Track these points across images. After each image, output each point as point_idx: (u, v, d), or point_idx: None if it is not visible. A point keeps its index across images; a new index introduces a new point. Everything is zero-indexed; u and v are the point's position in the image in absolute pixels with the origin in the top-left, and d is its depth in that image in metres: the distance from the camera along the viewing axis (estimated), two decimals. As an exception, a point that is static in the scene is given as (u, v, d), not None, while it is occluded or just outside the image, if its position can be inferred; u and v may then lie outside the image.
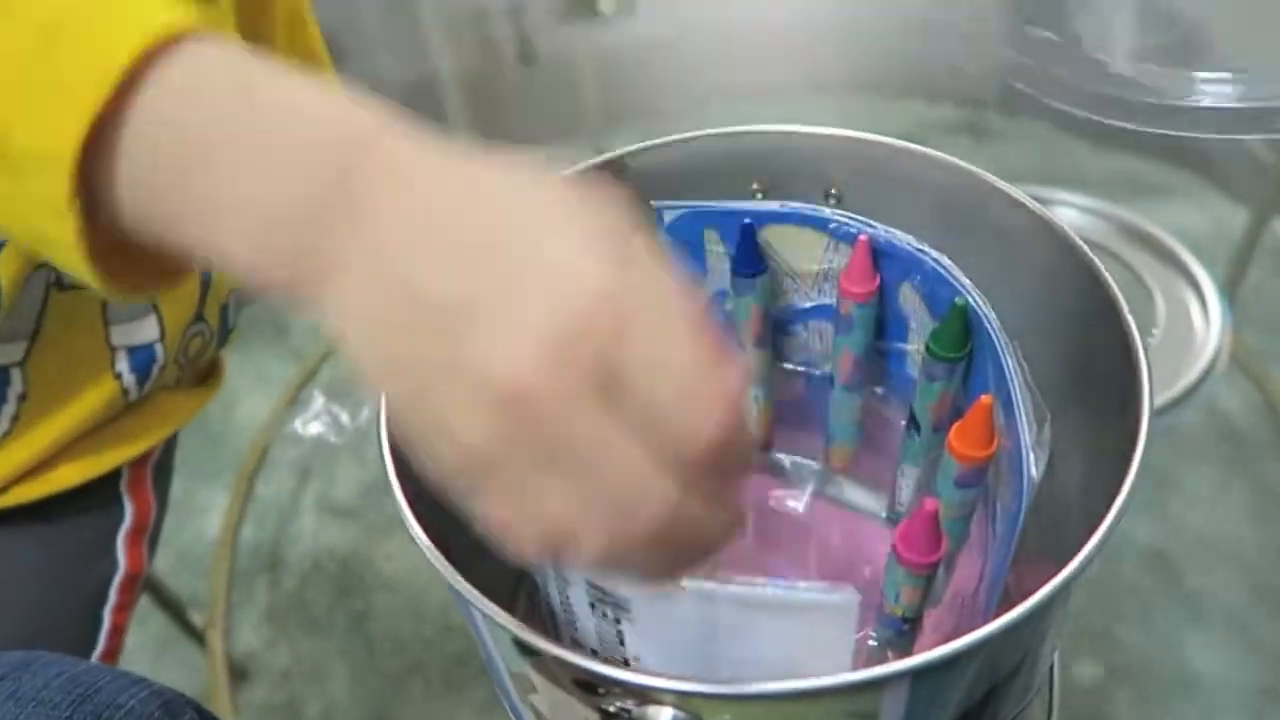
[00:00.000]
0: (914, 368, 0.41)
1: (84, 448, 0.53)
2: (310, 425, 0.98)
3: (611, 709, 0.27)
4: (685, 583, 0.26)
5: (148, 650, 0.85)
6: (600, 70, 1.71)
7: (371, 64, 1.89)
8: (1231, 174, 1.01)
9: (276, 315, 1.16)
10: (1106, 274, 0.33)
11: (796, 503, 0.46)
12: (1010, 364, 0.32)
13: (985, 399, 0.32)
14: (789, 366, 0.45)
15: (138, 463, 0.58)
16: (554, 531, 0.22)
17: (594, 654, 0.32)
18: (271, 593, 0.88)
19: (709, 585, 0.26)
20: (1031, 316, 0.36)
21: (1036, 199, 0.36)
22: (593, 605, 0.32)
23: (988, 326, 0.34)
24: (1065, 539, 0.28)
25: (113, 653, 0.52)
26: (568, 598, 0.33)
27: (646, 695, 0.26)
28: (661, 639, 0.29)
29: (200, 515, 0.94)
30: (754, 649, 0.28)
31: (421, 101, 1.72)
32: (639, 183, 0.40)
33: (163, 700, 0.31)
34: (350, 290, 0.22)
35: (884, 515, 0.45)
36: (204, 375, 0.62)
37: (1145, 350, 0.30)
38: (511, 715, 0.35)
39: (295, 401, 1.02)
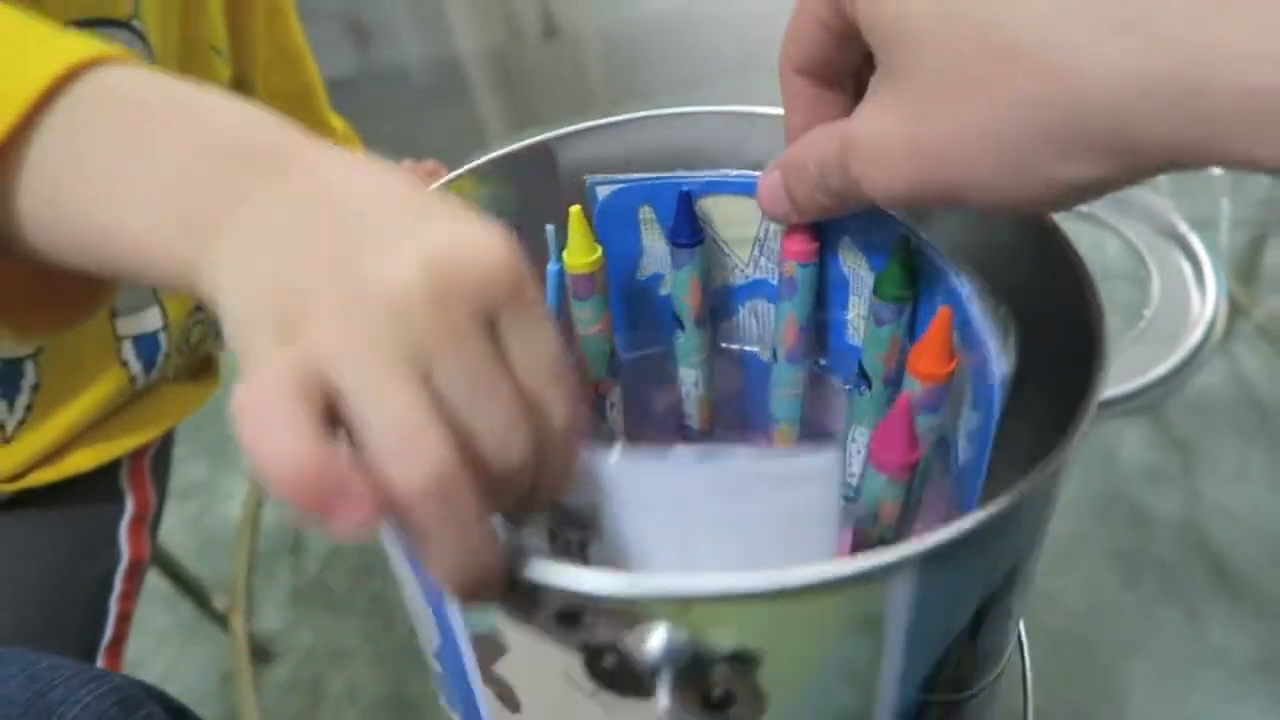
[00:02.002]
0: (855, 336, 0.40)
1: (95, 435, 0.55)
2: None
3: (598, 642, 0.24)
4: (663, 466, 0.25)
5: (178, 634, 0.88)
6: (623, 44, 1.70)
7: (396, 42, 1.90)
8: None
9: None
10: (1075, 247, 0.32)
11: None
12: (963, 279, 0.31)
13: (944, 310, 0.31)
14: (725, 345, 0.44)
15: (136, 455, 0.60)
16: (410, 435, 0.20)
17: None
18: (294, 575, 0.90)
19: (679, 475, 0.24)
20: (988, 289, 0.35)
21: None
22: (553, 536, 0.29)
23: (930, 253, 0.33)
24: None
25: (120, 639, 0.54)
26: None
27: (636, 616, 0.23)
28: (632, 552, 0.27)
29: (224, 501, 0.97)
30: (736, 540, 0.25)
31: (446, 78, 1.72)
32: (568, 169, 0.39)
33: (120, 696, 0.32)
34: (259, 209, 0.23)
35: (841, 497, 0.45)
36: (199, 370, 0.64)
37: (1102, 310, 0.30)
38: (456, 713, 0.33)
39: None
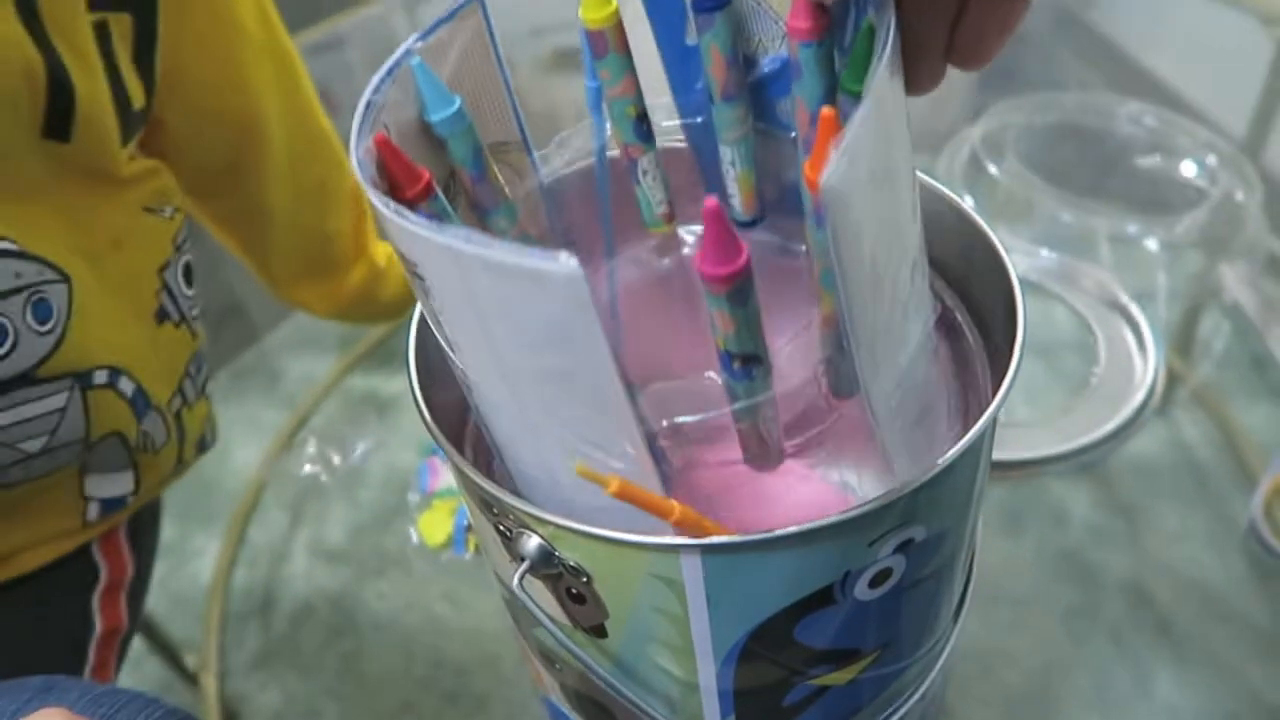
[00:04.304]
0: None
1: (46, 544, 0.53)
2: (302, 469, 1.00)
3: (505, 530, 0.33)
4: (441, 240, 0.25)
5: (142, 693, 0.86)
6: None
7: (359, 117, 1.92)
8: (1187, 220, 1.05)
9: (269, 364, 1.18)
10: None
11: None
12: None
13: (826, 111, 0.28)
14: (762, 127, 0.39)
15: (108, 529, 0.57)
16: None
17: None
18: (264, 635, 0.89)
19: (458, 245, 0.25)
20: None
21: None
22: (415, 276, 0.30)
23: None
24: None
25: None
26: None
27: (525, 523, 0.32)
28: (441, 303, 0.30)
29: (194, 560, 0.96)
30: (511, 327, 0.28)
31: (408, 153, 1.76)
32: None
33: (178, 719, 0.33)
34: None
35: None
36: None
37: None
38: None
39: (287, 447, 1.04)
